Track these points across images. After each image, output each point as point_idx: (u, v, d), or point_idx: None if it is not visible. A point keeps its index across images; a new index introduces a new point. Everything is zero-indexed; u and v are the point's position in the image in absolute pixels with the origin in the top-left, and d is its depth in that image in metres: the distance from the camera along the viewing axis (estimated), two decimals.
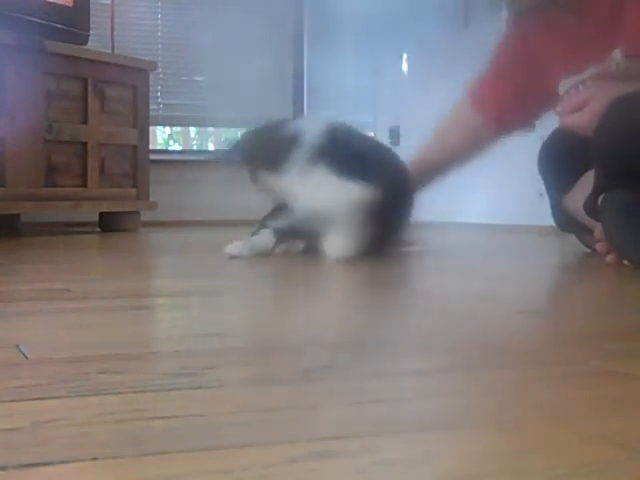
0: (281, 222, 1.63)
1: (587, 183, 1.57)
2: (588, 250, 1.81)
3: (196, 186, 3.68)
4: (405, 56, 3.70)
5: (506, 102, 1.80)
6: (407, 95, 3.66)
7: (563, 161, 1.78)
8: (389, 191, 1.48)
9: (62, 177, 2.73)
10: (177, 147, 5.95)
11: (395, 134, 3.74)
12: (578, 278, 1.45)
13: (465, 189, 3.23)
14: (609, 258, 1.48)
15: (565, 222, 1.86)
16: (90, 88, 2.81)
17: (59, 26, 2.77)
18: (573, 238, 1.93)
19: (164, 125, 4.51)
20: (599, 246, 1.54)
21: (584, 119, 1.45)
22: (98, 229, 3.00)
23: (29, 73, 2.60)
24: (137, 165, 3.00)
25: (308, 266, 1.49)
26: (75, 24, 2.85)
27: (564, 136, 1.75)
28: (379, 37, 3.96)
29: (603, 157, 1.43)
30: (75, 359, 0.60)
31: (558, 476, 0.35)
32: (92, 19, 2.97)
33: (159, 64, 3.45)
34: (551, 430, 0.42)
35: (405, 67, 3.72)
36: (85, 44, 2.88)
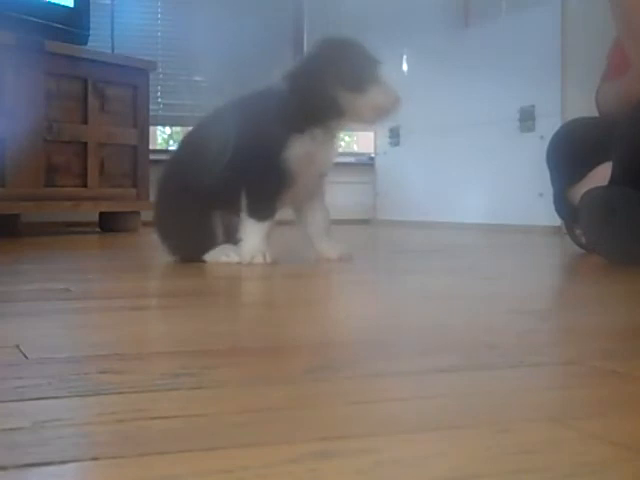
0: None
1: (597, 176, 1.60)
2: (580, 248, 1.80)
3: None
4: (405, 56, 3.70)
5: None
6: (407, 95, 3.65)
7: (571, 153, 1.81)
8: None
9: (62, 177, 2.73)
10: None
11: (395, 134, 3.74)
12: (577, 278, 1.45)
13: (465, 189, 3.24)
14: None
15: (567, 213, 1.85)
16: (90, 88, 2.81)
17: (59, 26, 2.77)
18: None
19: (164, 125, 4.50)
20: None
21: None
22: (98, 229, 3.00)
23: (29, 73, 2.60)
24: (137, 165, 3.00)
25: (301, 269, 1.49)
26: (75, 24, 2.85)
27: (574, 128, 1.81)
28: (379, 37, 3.96)
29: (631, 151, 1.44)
30: (75, 359, 0.60)
31: (558, 476, 0.35)
32: (92, 19, 2.97)
33: (159, 64, 3.44)
34: (551, 430, 0.42)
35: (405, 67, 3.72)
36: (85, 44, 2.88)
